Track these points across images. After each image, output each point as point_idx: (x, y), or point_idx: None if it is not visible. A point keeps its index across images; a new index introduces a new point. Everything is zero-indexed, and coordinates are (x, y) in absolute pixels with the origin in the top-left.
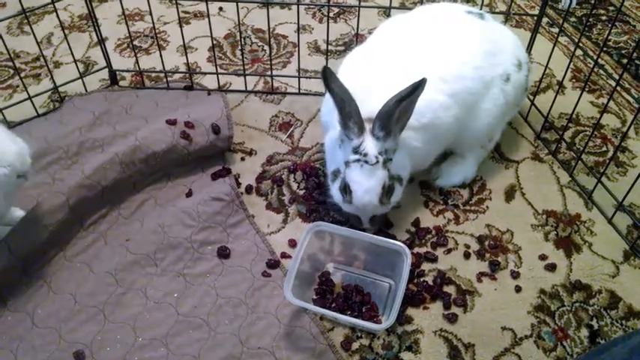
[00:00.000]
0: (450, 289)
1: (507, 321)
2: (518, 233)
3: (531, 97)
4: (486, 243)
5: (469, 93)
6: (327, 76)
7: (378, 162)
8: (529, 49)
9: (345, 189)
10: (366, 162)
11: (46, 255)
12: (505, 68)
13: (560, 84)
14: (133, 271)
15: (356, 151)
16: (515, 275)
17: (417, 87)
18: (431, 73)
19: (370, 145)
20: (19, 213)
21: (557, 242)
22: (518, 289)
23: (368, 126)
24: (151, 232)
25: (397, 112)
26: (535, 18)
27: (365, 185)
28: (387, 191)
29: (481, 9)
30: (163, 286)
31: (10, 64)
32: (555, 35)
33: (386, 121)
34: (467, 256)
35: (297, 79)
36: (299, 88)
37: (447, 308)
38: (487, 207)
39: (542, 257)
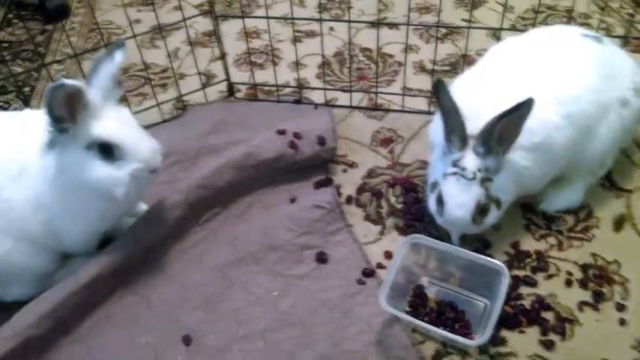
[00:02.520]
0: (549, 315)
1: (608, 354)
2: (627, 265)
3: None
4: (590, 272)
5: (585, 116)
6: (439, 88)
7: (475, 178)
8: None
9: (440, 201)
10: (463, 176)
11: (164, 246)
12: (622, 93)
13: None
14: (238, 267)
15: (455, 164)
16: (620, 308)
17: (522, 105)
18: (545, 94)
19: (470, 160)
20: (143, 207)
21: None
22: (622, 322)
23: (472, 142)
24: (256, 233)
25: (499, 128)
26: None
27: (458, 199)
28: (480, 210)
29: (597, 32)
30: (264, 283)
31: (142, 74)
32: None
33: (487, 137)
34: (569, 283)
35: (401, 96)
36: (402, 106)
37: (544, 334)
38: (593, 235)
39: None
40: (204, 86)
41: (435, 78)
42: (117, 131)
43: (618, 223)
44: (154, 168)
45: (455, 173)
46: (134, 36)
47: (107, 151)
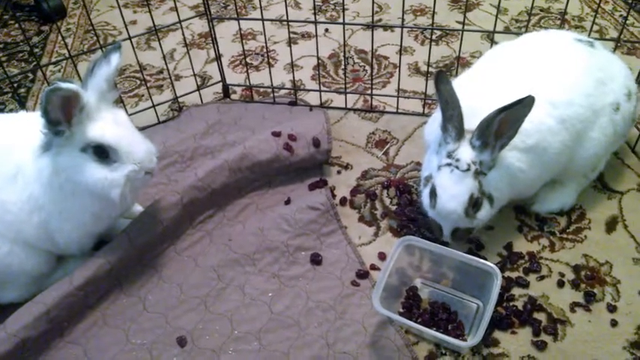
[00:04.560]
0: (541, 316)
1: (600, 354)
2: (618, 266)
3: None
4: (582, 273)
5: (579, 120)
6: (440, 78)
7: (469, 170)
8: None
9: (433, 193)
10: (457, 167)
11: (159, 247)
12: (615, 97)
13: None
14: (233, 268)
15: (449, 155)
16: (611, 309)
17: (522, 101)
18: (540, 97)
19: (465, 151)
20: (138, 208)
21: None
22: (614, 323)
23: (468, 136)
24: (251, 234)
25: (496, 122)
26: None
27: (451, 191)
28: (473, 203)
29: (590, 35)
30: (260, 284)
31: (138, 75)
32: None
33: (484, 130)
34: (560, 284)
35: (395, 98)
36: (397, 108)
37: (537, 335)
38: (585, 236)
39: None
40: (199, 88)
41: (431, 78)
42: (112, 133)
43: (610, 225)
44: (149, 170)
45: (449, 164)
46: (130, 37)
47: (102, 153)
